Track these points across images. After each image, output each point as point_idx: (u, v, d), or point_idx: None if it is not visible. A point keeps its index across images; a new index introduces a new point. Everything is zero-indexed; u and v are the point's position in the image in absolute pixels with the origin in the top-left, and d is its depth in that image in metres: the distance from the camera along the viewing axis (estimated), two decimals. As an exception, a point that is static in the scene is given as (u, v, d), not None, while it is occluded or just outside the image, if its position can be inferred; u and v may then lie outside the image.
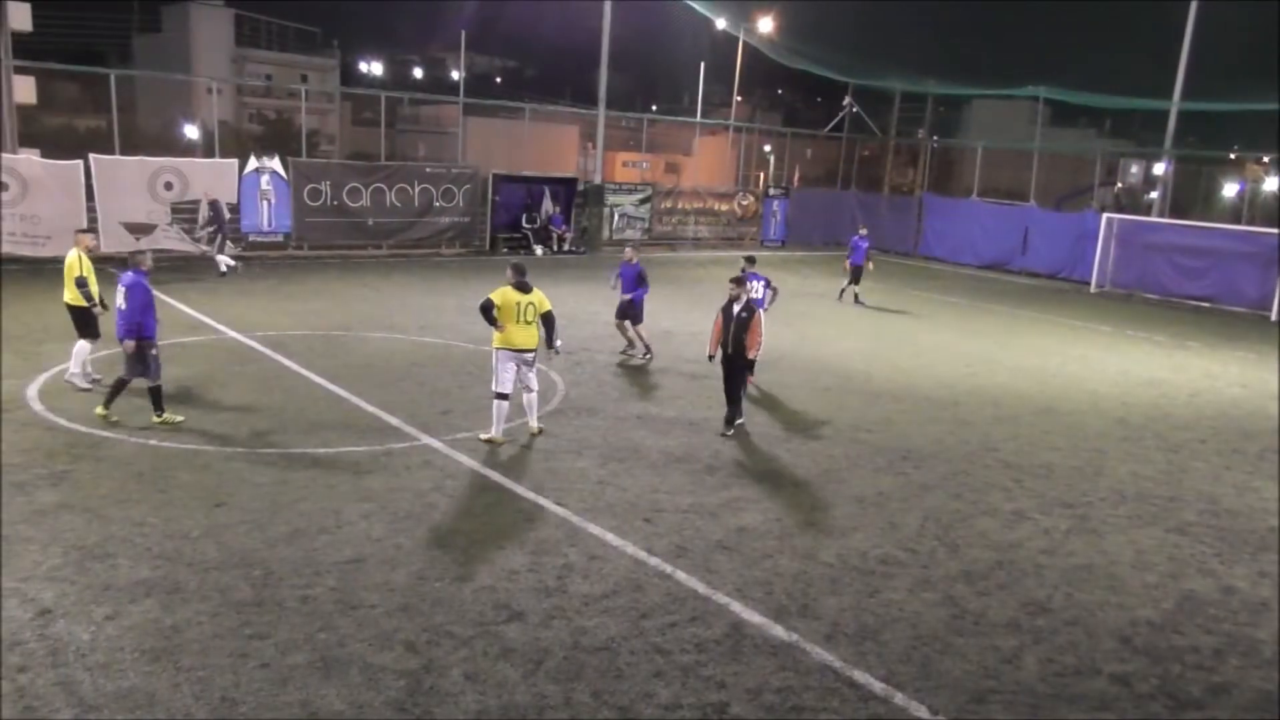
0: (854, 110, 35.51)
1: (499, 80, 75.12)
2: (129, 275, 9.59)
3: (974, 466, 9.93)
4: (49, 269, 19.93)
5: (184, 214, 21.84)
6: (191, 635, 5.64)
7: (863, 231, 21.42)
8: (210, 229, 20.57)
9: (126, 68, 49.23)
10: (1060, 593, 7.03)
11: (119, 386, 9.67)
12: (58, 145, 28.07)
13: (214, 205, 20.52)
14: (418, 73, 72.95)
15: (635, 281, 14.02)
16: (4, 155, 20.70)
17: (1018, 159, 35.04)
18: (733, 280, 10.60)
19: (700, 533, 7.67)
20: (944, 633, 6.28)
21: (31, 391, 10.49)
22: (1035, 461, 10.24)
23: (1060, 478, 9.75)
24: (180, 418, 9.71)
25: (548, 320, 9.71)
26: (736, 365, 10.44)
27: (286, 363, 12.46)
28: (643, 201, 29.67)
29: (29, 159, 22.17)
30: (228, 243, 20.68)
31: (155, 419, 9.58)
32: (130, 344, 9.41)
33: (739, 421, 10.55)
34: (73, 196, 20.48)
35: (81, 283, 10.81)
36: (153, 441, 9.04)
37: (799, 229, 33.04)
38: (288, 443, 9.23)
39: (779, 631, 6.12)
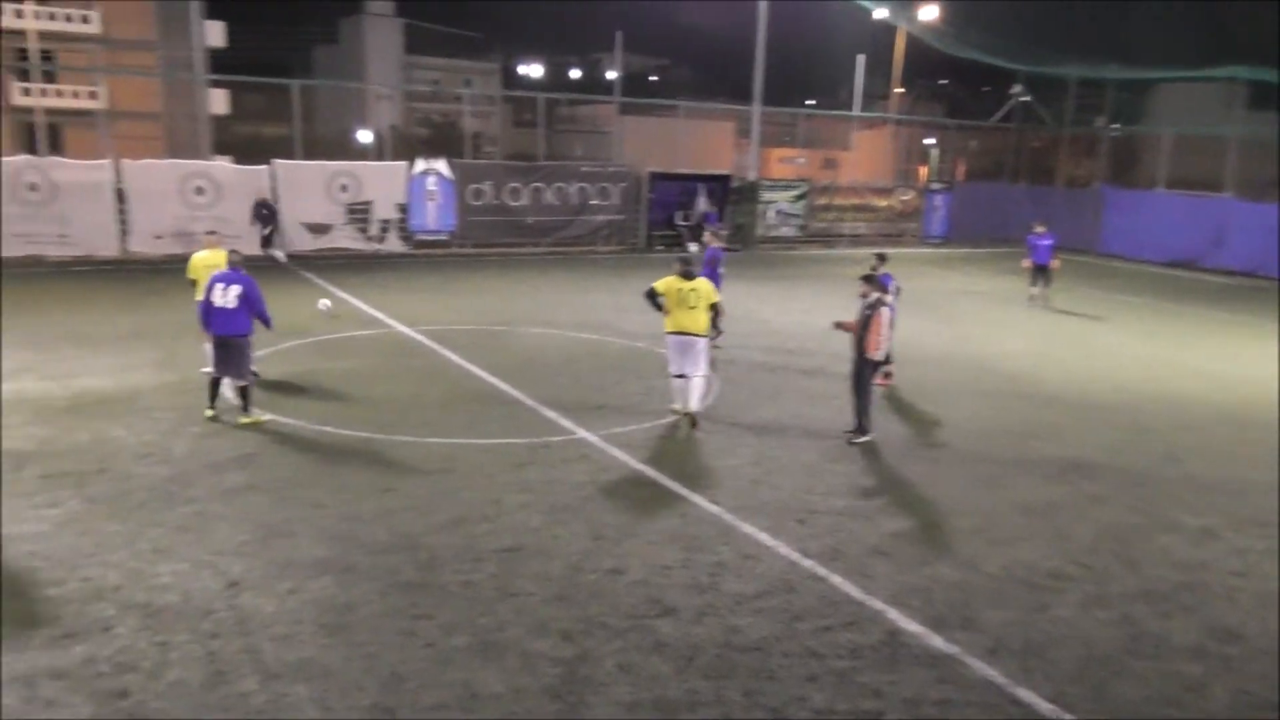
0: (1024, 99, 33.89)
1: (654, 79, 75.82)
2: (236, 274, 9.77)
3: (1154, 478, 9.31)
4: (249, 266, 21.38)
5: (357, 214, 23.07)
6: (363, 613, 5.93)
7: (1040, 229, 19.29)
8: (264, 226, 21.73)
9: (307, 78, 52.20)
10: (1255, 619, 6.49)
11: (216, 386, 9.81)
12: (246, 152, 30.14)
13: (265, 204, 21.74)
14: (575, 74, 74.47)
15: (706, 264, 13.54)
16: (200, 161, 22.41)
17: (1209, 146, 32.44)
18: (863, 278, 10.24)
19: (855, 536, 7.50)
20: (1120, 654, 5.91)
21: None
22: (1225, 475, 9.50)
23: (1255, 494, 9.00)
24: (267, 417, 9.81)
25: (712, 310, 10.11)
26: (859, 368, 9.83)
27: (450, 356, 12.95)
28: (798, 198, 29.30)
29: (222, 165, 23.94)
30: (277, 236, 21.80)
31: (242, 420, 9.62)
32: (238, 340, 9.60)
33: (863, 439, 9.83)
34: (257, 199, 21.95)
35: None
36: (329, 429, 9.57)
37: (962, 225, 31.81)
38: (451, 433, 9.58)
39: (938, 642, 5.92)
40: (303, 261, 21.79)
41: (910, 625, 6.10)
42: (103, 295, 16.75)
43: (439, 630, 5.77)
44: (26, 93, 40.29)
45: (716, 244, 14.18)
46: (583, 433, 9.79)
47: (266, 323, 9.91)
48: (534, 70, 70.18)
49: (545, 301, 17.76)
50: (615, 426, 10.02)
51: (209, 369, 9.97)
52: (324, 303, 12.44)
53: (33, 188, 20.03)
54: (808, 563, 6.95)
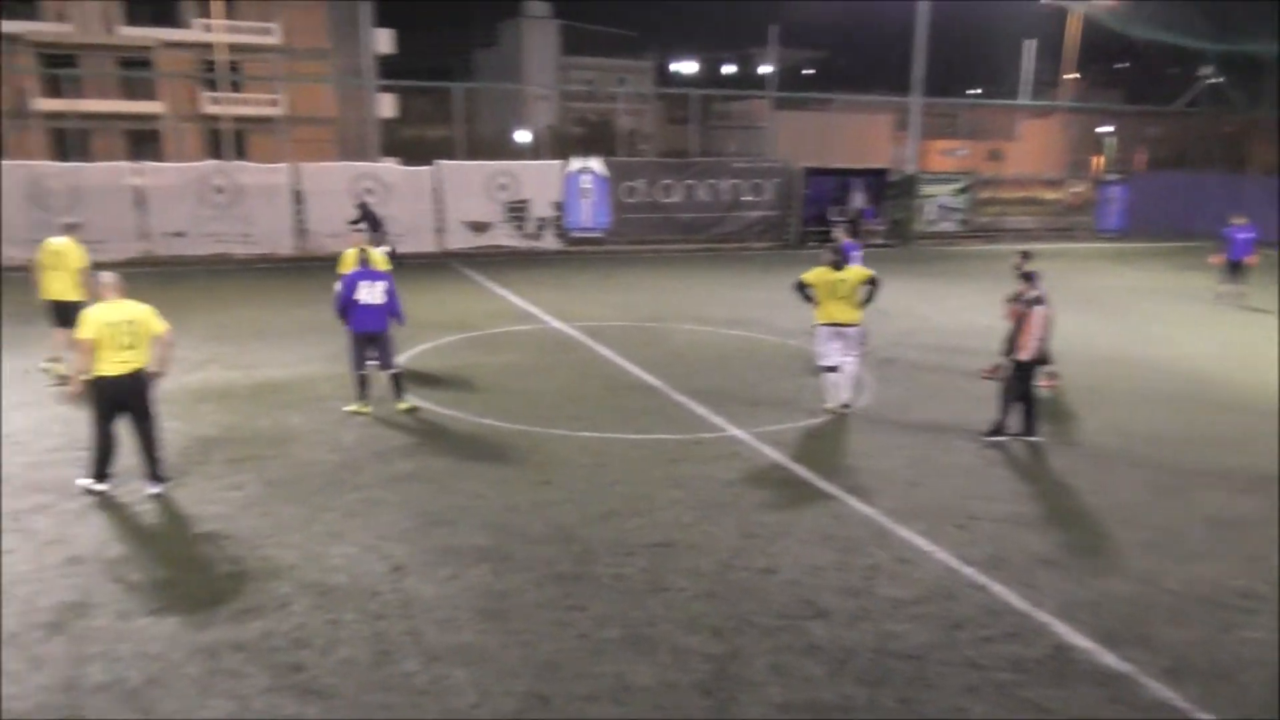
0: (1214, 80, 31.52)
1: (809, 72, 74.67)
2: (380, 272, 10.15)
3: (1361, 492, 8.49)
4: (411, 263, 22.38)
5: (515, 213, 23.73)
6: (519, 601, 6.09)
7: (1240, 220, 17.85)
8: (361, 225, 22.23)
9: (468, 81, 54.02)
10: None
11: (365, 380, 10.07)
12: (412, 153, 31.51)
13: (363, 206, 22.27)
14: (729, 69, 74.18)
15: None
16: (369, 163, 23.58)
17: None
18: (1021, 275, 9.73)
19: (1019, 544, 7.16)
20: (1320, 682, 5.42)
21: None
22: None
23: None
24: (422, 405, 10.23)
25: (869, 283, 10.18)
26: (1015, 368, 9.40)
27: (604, 352, 13.14)
28: (960, 191, 28.26)
29: (389, 166, 25.11)
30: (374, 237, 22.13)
31: (402, 406, 10.06)
32: (385, 334, 9.98)
33: (1002, 438, 9.41)
34: (423, 199, 22.92)
35: None
36: (487, 421, 9.87)
37: (1141, 217, 29.87)
38: (605, 428, 9.72)
39: (1110, 659, 5.58)
40: (464, 259, 22.60)
41: (1079, 640, 5.78)
42: (282, 291, 17.85)
43: (592, 622, 5.86)
44: (215, 101, 43.37)
45: (852, 239, 13.93)
46: (734, 430, 9.75)
47: (400, 318, 10.22)
48: (687, 67, 70.41)
49: (697, 298, 17.78)
50: (767, 424, 9.93)
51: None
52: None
53: (219, 190, 21.55)
54: (968, 570, 6.69)
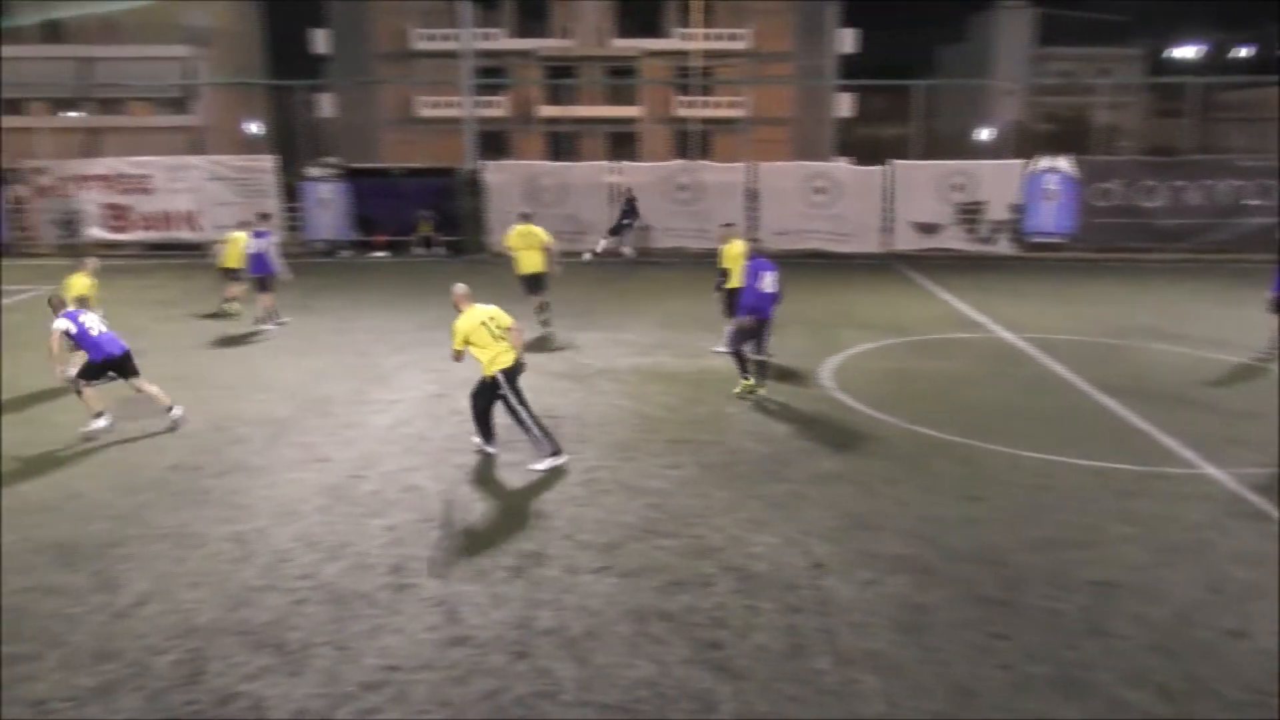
0: None
1: (1348, 52, 62.38)
2: (771, 262, 10.69)
3: None
4: (853, 264, 22.49)
5: (967, 215, 22.73)
6: (937, 618, 5.85)
7: None
8: (625, 223, 22.25)
9: (929, 78, 52.61)
10: None
11: (746, 361, 10.69)
12: (864, 153, 31.46)
13: (631, 201, 21.74)
14: (1239, 53, 64.41)
15: None
16: (822, 163, 24.03)
17: None
18: None
19: None
20: None
21: (825, 369, 11.94)
22: None
23: None
24: (763, 389, 10.66)
25: None
26: None
27: (1055, 367, 12.14)
28: None
29: (841, 165, 25.34)
30: (627, 234, 22.47)
31: (747, 385, 10.63)
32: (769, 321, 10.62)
33: None
34: (872, 198, 22.81)
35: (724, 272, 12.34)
36: (920, 428, 9.59)
37: None
38: (1049, 448, 8.97)
39: None
40: (909, 260, 22.15)
41: None
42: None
43: (1017, 653, 5.45)
44: (687, 105, 46.76)
45: None
46: (1208, 467, 8.49)
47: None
48: (1187, 52, 62.33)
49: (1173, 315, 15.75)
50: (1253, 465, 8.52)
51: (721, 348, 11.54)
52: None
53: (682, 188, 23.23)
54: None
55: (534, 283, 13.93)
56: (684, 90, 47.13)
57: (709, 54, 47.28)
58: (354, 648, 5.52)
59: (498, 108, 45.80)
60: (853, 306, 16.23)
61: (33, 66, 48.36)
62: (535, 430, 8.43)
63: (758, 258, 10.79)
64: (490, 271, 19.71)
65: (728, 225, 13.72)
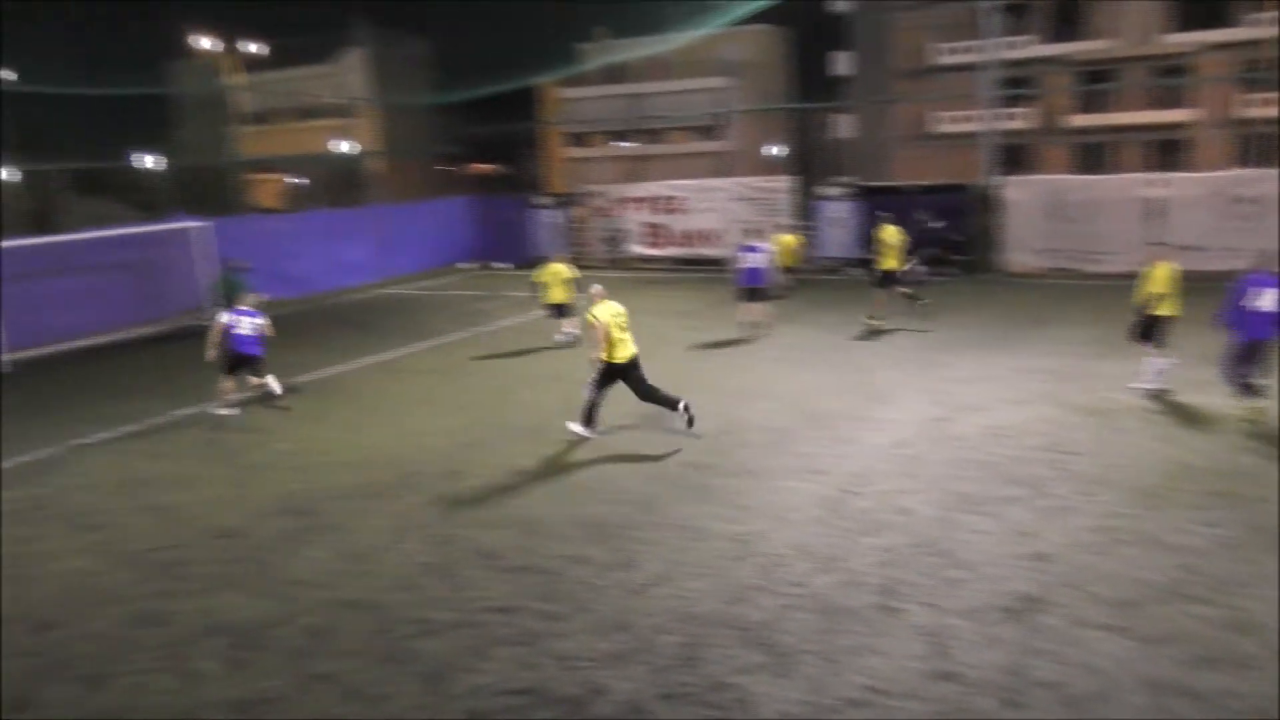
0: None
1: None
2: (1271, 277, 9.61)
3: None
4: None
5: None
6: None
7: None
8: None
9: None
10: None
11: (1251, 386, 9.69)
12: None
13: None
14: None
15: None
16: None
17: None
18: None
19: None
20: None
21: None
22: None
23: None
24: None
25: None
26: None
27: None
28: None
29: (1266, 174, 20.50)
30: None
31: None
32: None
33: None
34: None
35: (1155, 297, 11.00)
36: None
37: None
38: None
39: None
40: None
41: None
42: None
43: None
44: (1256, 104, 40.16)
45: None
46: None
47: None
48: None
49: None
50: None
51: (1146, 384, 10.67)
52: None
53: (1238, 200, 19.97)
54: None
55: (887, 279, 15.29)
56: (1251, 87, 40.58)
57: (1282, 42, 40.21)
58: (840, 661, 5.56)
59: (1021, 119, 43.30)
60: None
61: (594, 105, 56.37)
62: (662, 397, 10.01)
63: (1260, 273, 9.69)
64: (998, 294, 18.82)
65: (1158, 244, 12.40)
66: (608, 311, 9.97)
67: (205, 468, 10.02)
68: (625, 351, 10.00)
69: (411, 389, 13.20)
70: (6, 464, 10.43)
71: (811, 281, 19.74)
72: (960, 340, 14.45)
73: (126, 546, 7.90)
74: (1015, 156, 36.36)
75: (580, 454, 9.70)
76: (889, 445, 9.61)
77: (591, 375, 10.11)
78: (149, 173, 41.57)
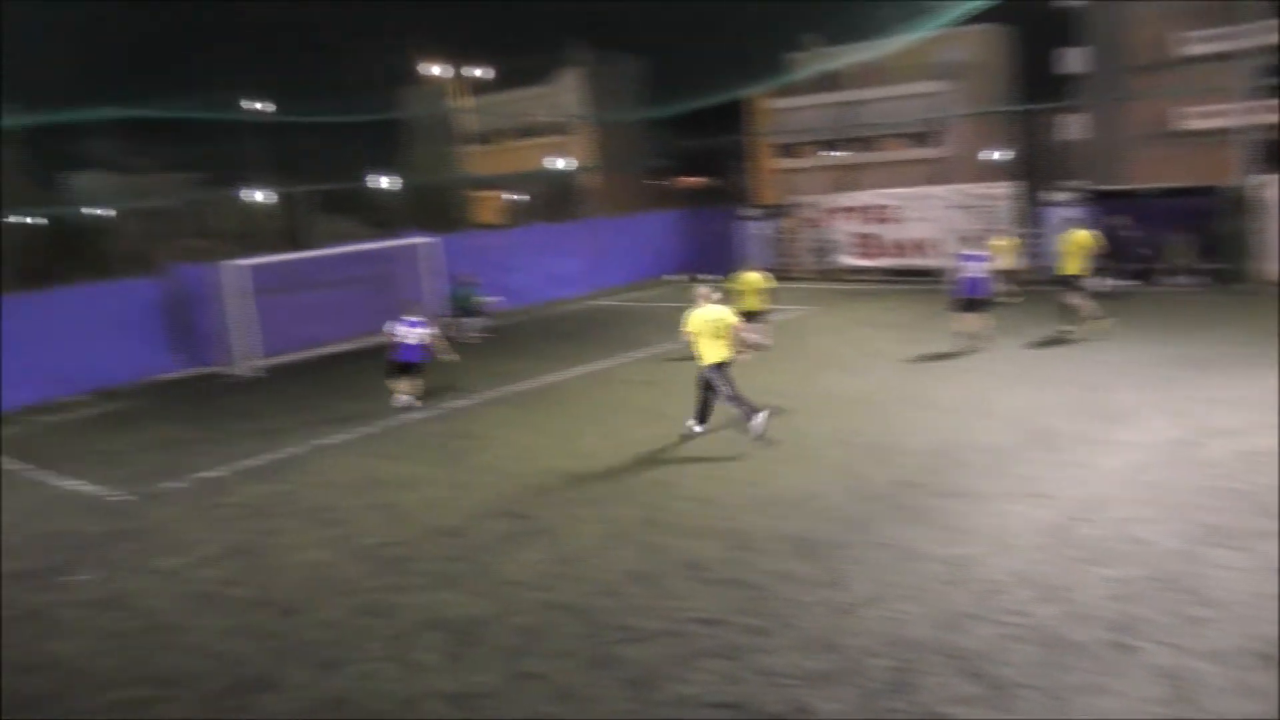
0: None
1: None
2: None
3: None
4: None
5: None
6: None
7: None
8: None
9: None
10: None
11: None
12: None
13: None
14: None
15: None
16: None
17: None
18: None
19: None
20: None
21: None
22: None
23: None
24: None
25: None
26: None
27: None
28: None
29: None
30: None
31: None
32: None
33: None
34: None
35: None
36: None
37: None
38: None
39: None
40: None
41: None
42: None
43: None
44: None
45: None
46: None
47: None
48: None
49: None
50: None
51: None
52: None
53: None
54: None
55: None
56: None
57: None
58: (1066, 699, 5.18)
59: (1285, 112, 39.07)
60: None
61: (805, 114, 55.71)
62: (741, 406, 10.41)
63: None
64: (1255, 306, 17.07)
65: None
66: (701, 319, 10.52)
67: (431, 469, 10.64)
68: (715, 355, 10.50)
69: (623, 397, 13.50)
70: (260, 460, 11.52)
71: (1035, 292, 18.57)
72: (1208, 356, 13.17)
73: (359, 541, 8.50)
74: (1276, 154, 32.86)
75: (788, 468, 9.57)
76: (1124, 469, 8.88)
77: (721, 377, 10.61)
78: (383, 192, 44.80)
